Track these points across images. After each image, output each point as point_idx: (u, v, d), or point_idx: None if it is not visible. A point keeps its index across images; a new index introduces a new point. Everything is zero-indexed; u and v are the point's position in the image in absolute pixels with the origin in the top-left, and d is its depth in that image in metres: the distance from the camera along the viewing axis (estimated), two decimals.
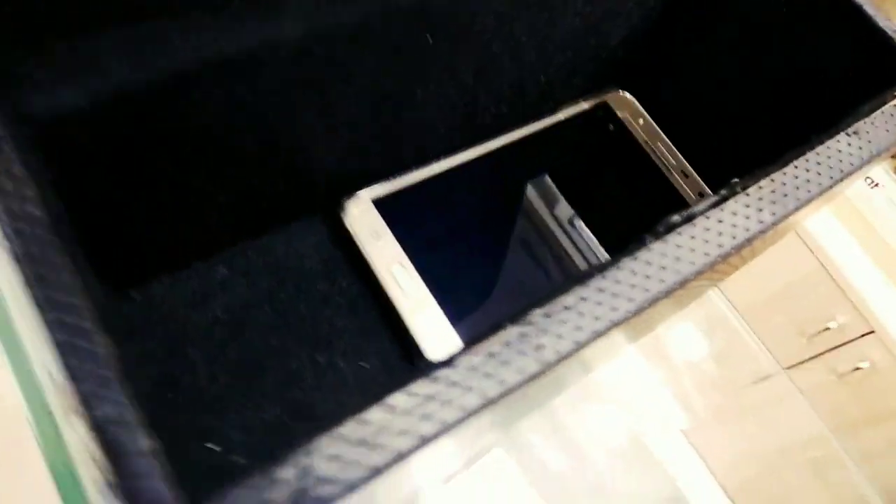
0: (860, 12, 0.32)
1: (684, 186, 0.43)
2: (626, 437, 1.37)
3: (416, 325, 0.34)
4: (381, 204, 0.37)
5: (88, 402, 0.16)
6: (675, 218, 0.24)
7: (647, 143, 0.44)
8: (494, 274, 0.40)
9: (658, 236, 0.23)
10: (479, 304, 0.39)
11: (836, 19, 0.33)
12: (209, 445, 0.31)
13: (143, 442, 0.16)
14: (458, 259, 0.39)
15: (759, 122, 0.39)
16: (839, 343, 1.27)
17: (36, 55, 0.21)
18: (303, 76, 0.27)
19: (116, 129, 0.23)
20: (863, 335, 1.23)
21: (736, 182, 0.25)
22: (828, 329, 1.27)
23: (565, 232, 0.42)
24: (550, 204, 0.43)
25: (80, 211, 0.25)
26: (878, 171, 1.31)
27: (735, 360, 1.41)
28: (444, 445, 0.21)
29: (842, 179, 0.27)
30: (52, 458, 0.39)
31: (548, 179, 0.43)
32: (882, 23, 0.32)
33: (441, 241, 0.39)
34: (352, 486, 0.17)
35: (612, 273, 0.22)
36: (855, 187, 1.30)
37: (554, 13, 0.33)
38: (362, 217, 0.36)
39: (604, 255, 0.41)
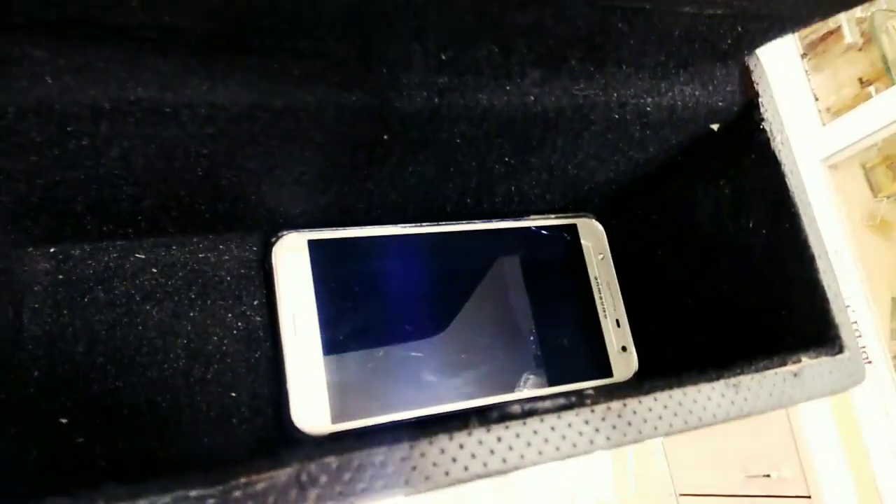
0: (814, 274, 0.32)
1: (612, 335, 0.43)
2: None
3: (294, 379, 0.35)
4: (315, 246, 0.38)
5: None
6: (515, 408, 0.25)
7: (596, 279, 0.44)
8: (403, 353, 0.41)
9: (485, 423, 0.24)
10: (366, 380, 0.39)
11: (788, 261, 0.33)
12: (61, 420, 0.32)
13: None
14: (368, 326, 0.40)
15: (698, 307, 0.39)
16: (774, 494, 1.27)
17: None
18: (246, 134, 0.27)
19: (42, 134, 0.24)
20: (799, 497, 1.23)
21: (590, 393, 0.26)
22: (768, 476, 1.27)
23: (494, 334, 0.43)
24: (489, 301, 0.43)
25: (4, 182, 0.26)
26: (876, 349, 1.29)
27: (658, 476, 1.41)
28: None
29: (695, 428, 0.27)
30: None
31: (500, 274, 0.44)
32: (831, 297, 0.32)
33: (362, 303, 0.40)
34: None
35: (422, 445, 0.23)
36: None
37: (527, 146, 0.33)
38: (291, 254, 0.37)
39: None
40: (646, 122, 0.33)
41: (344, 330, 0.37)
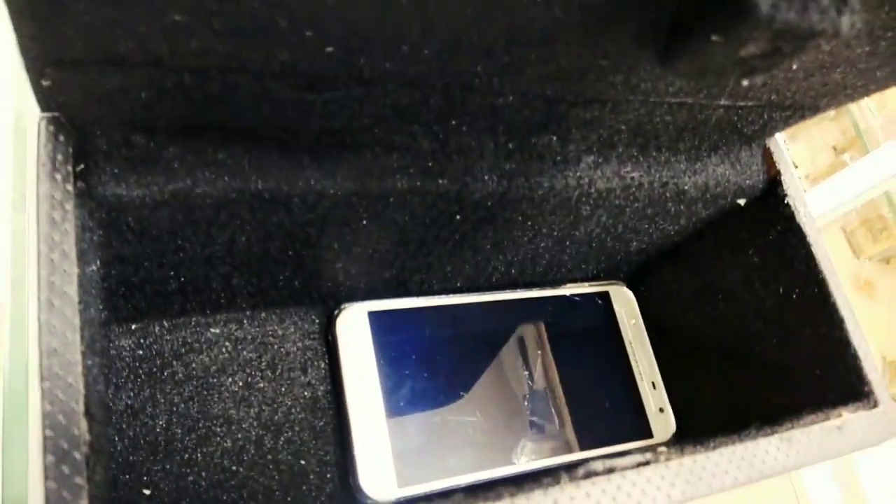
0: (845, 335, 0.35)
1: (649, 396, 0.46)
2: None
3: (360, 446, 0.37)
4: (374, 318, 0.40)
5: (49, 479, 0.20)
6: (598, 465, 0.27)
7: (630, 343, 0.47)
8: (459, 417, 0.43)
9: (574, 479, 0.26)
10: (428, 444, 0.41)
11: (819, 324, 0.36)
12: (145, 491, 0.34)
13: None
14: (426, 392, 0.42)
15: (731, 368, 0.42)
16: None
17: (124, 148, 0.25)
18: (340, 217, 0.30)
19: (169, 223, 0.27)
20: None
21: (662, 451, 0.28)
22: None
23: (539, 398, 0.45)
24: (533, 366, 0.46)
25: (116, 268, 0.29)
26: None
27: None
28: None
29: (758, 479, 0.29)
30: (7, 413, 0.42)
31: (541, 340, 0.46)
32: (861, 356, 0.34)
33: (420, 370, 0.42)
34: None
35: (521, 500, 0.25)
36: None
37: (577, 221, 0.37)
38: (353, 325, 0.39)
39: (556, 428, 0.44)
40: (682, 199, 0.37)
41: (405, 396, 0.39)
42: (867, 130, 1.51)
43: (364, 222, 0.31)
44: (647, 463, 0.28)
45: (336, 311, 0.40)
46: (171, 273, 0.31)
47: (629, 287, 0.48)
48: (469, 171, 0.31)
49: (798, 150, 1.60)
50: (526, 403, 0.44)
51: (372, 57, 0.21)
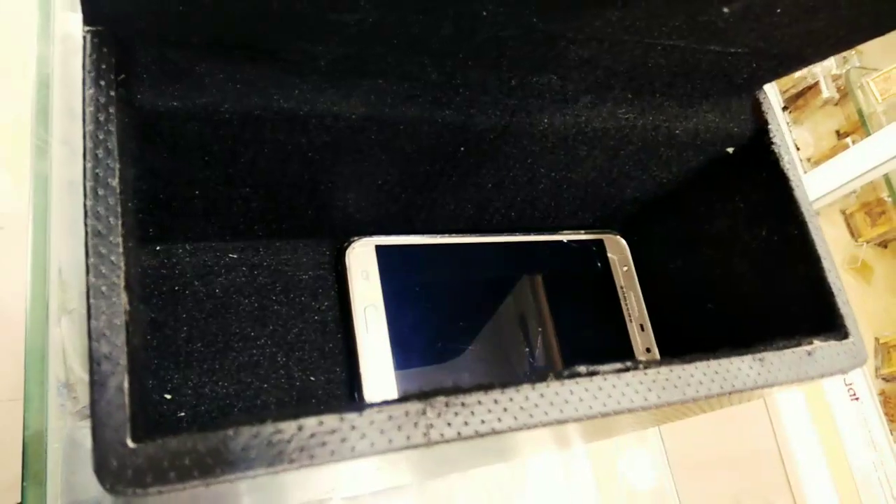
0: (821, 273, 0.37)
1: (637, 338, 0.48)
2: None
3: (365, 364, 0.40)
4: (381, 251, 0.43)
5: (93, 339, 0.22)
6: (581, 369, 0.30)
7: (622, 288, 0.49)
8: (457, 345, 0.46)
9: (559, 378, 0.29)
10: (430, 365, 0.44)
11: (798, 263, 0.39)
12: (166, 395, 0.37)
13: (120, 389, 0.22)
14: (431, 321, 0.45)
15: (716, 310, 0.45)
16: None
17: (161, 62, 0.28)
18: (353, 143, 0.33)
19: (198, 136, 0.30)
20: None
21: (640, 361, 0.31)
22: None
23: (533, 334, 0.48)
24: (528, 304, 0.48)
25: (147, 181, 0.31)
26: (862, 387, 1.34)
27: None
28: (340, 471, 0.26)
29: (730, 393, 0.32)
30: (31, 345, 0.45)
31: (537, 281, 0.49)
32: (835, 292, 0.37)
33: (422, 301, 0.45)
34: (252, 474, 0.22)
35: (510, 391, 0.28)
36: (837, 394, 1.34)
37: (574, 161, 0.39)
38: (361, 257, 0.42)
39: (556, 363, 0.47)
40: (673, 144, 0.39)
41: (407, 323, 0.42)
42: (871, 115, 1.53)
43: (375, 148, 0.33)
44: (626, 370, 0.30)
45: (346, 244, 0.42)
46: (196, 192, 0.34)
47: (623, 237, 0.51)
48: (474, 104, 0.33)
49: (802, 134, 1.62)
50: (521, 338, 0.46)
51: None
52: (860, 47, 1.61)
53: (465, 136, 0.34)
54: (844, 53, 1.68)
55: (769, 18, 0.31)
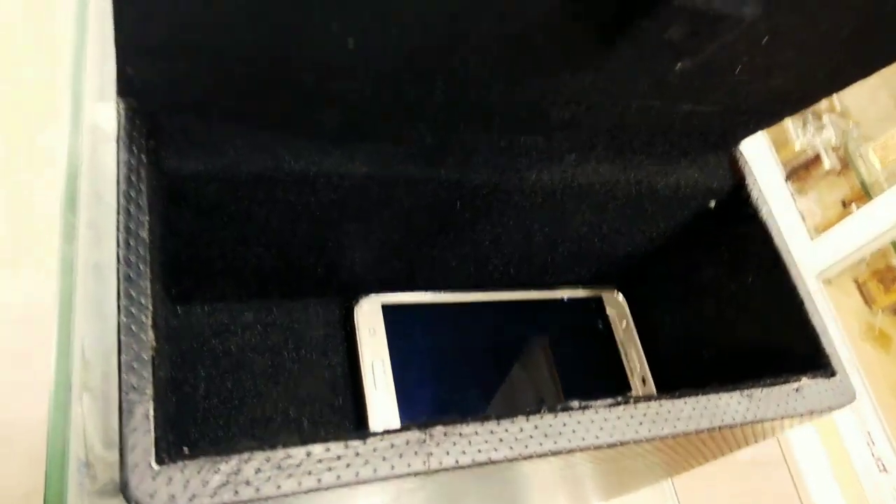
0: (805, 315, 0.39)
1: (639, 392, 0.49)
2: None
3: (374, 417, 0.41)
4: (387, 309, 0.45)
5: (123, 372, 0.25)
6: (574, 403, 0.31)
7: (622, 343, 0.51)
8: (462, 400, 0.47)
9: (553, 410, 0.31)
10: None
11: (782, 306, 0.40)
12: (184, 449, 0.38)
13: (146, 416, 0.24)
14: (437, 377, 0.47)
15: (712, 357, 0.46)
16: None
17: (184, 130, 0.31)
18: (357, 200, 0.36)
19: (217, 196, 0.33)
20: None
21: (631, 395, 0.33)
22: None
23: (536, 390, 0.49)
24: (531, 361, 0.50)
25: (172, 240, 0.34)
26: (891, 458, 1.31)
27: None
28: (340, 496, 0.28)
29: (720, 428, 0.33)
30: (54, 426, 0.47)
31: (539, 338, 0.51)
32: (820, 333, 0.39)
33: (428, 357, 0.47)
34: (264, 494, 0.24)
35: (506, 423, 0.29)
36: (865, 464, 1.31)
37: (564, 216, 0.42)
38: (368, 314, 0.44)
39: None
40: (656, 198, 0.42)
41: (413, 379, 0.44)
42: (873, 184, 1.56)
43: (377, 205, 0.36)
44: (617, 404, 0.32)
45: (354, 302, 0.45)
46: (215, 252, 0.37)
47: (620, 290, 0.53)
48: (467, 163, 0.36)
49: (807, 204, 1.64)
50: (525, 394, 0.48)
51: (384, 49, 0.28)
52: (857, 117, 1.66)
53: (461, 192, 0.37)
54: (842, 124, 1.73)
55: (730, 77, 0.34)
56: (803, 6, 0.28)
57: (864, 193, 1.54)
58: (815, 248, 1.49)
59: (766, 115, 0.39)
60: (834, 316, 1.47)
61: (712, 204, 0.44)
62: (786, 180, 1.64)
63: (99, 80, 0.62)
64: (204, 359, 0.41)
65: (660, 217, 0.44)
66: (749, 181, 0.43)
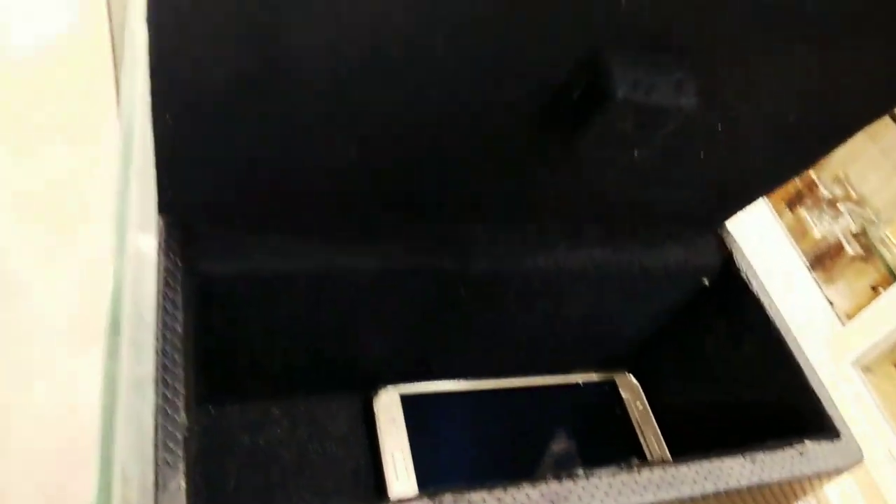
0: (804, 380, 0.41)
1: None
2: None
3: None
4: (406, 400, 0.48)
5: (158, 450, 0.28)
6: (579, 470, 0.33)
7: (639, 425, 0.52)
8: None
9: (558, 478, 0.32)
10: None
11: (781, 373, 0.42)
12: None
13: (179, 489, 0.27)
14: (456, 464, 0.48)
15: (725, 426, 0.47)
16: None
17: (215, 239, 0.35)
18: (369, 294, 0.39)
19: (244, 295, 0.37)
20: None
21: (635, 462, 0.34)
22: None
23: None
24: (549, 446, 0.51)
25: (204, 336, 0.38)
26: None
27: None
28: None
29: (725, 491, 0.34)
30: None
31: (556, 423, 0.52)
32: (821, 397, 0.40)
33: (447, 445, 0.49)
34: None
35: (512, 490, 0.31)
36: None
37: (564, 301, 0.45)
38: (388, 406, 0.47)
39: None
40: (649, 278, 0.45)
41: (433, 465, 0.46)
42: None
43: (388, 297, 0.40)
44: (622, 470, 0.33)
45: (373, 394, 0.47)
46: (243, 348, 0.40)
47: (633, 372, 0.55)
48: (467, 254, 0.40)
49: (835, 292, 1.64)
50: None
51: (381, 156, 0.32)
52: (873, 202, 1.67)
53: (464, 281, 0.41)
54: (859, 210, 1.75)
55: (697, 162, 0.38)
56: (744, 95, 0.32)
57: (892, 277, 1.53)
58: (848, 335, 1.47)
59: (740, 196, 0.43)
60: (878, 404, 1.43)
61: (706, 281, 0.47)
62: (810, 269, 1.65)
63: (142, 210, 0.69)
64: (234, 455, 0.44)
65: (656, 296, 0.47)
66: (737, 257, 0.46)
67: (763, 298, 0.44)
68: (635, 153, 0.31)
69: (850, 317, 1.53)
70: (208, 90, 0.26)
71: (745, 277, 0.45)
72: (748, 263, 0.46)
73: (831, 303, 1.59)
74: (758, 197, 0.44)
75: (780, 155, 0.39)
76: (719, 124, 0.34)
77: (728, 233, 0.47)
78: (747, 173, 0.40)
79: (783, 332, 0.43)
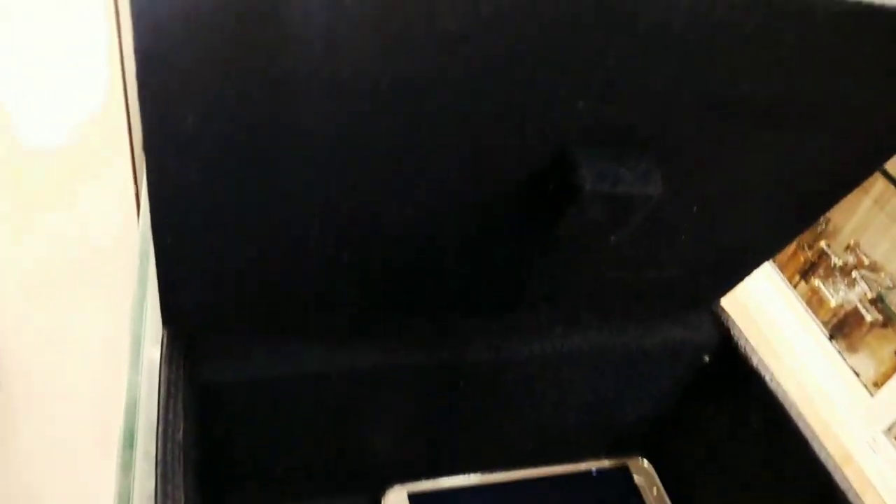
0: (811, 452, 0.40)
1: None
2: None
3: None
4: (415, 499, 0.47)
5: None
6: None
7: None
8: None
9: None
10: None
11: (789, 447, 0.42)
12: None
13: None
14: None
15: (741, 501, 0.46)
16: None
17: (215, 347, 0.37)
18: (369, 390, 0.40)
19: (244, 400, 0.38)
20: None
21: None
22: None
23: None
24: None
25: (206, 443, 0.39)
26: None
27: None
28: None
29: None
30: None
31: None
32: (826, 461, 0.40)
33: None
34: None
35: None
36: None
37: (565, 385, 0.45)
38: None
39: None
40: (649, 359, 0.45)
41: None
42: None
43: (389, 392, 0.40)
44: None
45: (381, 494, 0.47)
46: (246, 453, 0.41)
47: (646, 455, 0.54)
48: (464, 345, 0.41)
49: (859, 360, 1.60)
50: None
51: (371, 260, 0.34)
52: (887, 268, 1.66)
53: (463, 372, 0.41)
54: (873, 276, 1.74)
55: (679, 243, 0.39)
56: (712, 178, 0.34)
57: None
58: (877, 405, 1.43)
59: (730, 272, 0.44)
60: None
61: (706, 359, 0.47)
62: (830, 339, 1.62)
63: (154, 324, 0.70)
64: None
65: (658, 376, 0.47)
66: (734, 333, 0.46)
67: (764, 374, 0.44)
68: (612, 239, 0.33)
69: (877, 385, 1.50)
70: (207, 210, 0.28)
71: (744, 353, 0.45)
72: (745, 339, 0.46)
73: (857, 373, 1.56)
74: (748, 273, 0.44)
75: (760, 231, 0.40)
76: (694, 206, 0.36)
77: (723, 309, 0.47)
78: (731, 250, 0.41)
79: (787, 407, 0.42)
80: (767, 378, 0.44)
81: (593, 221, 0.31)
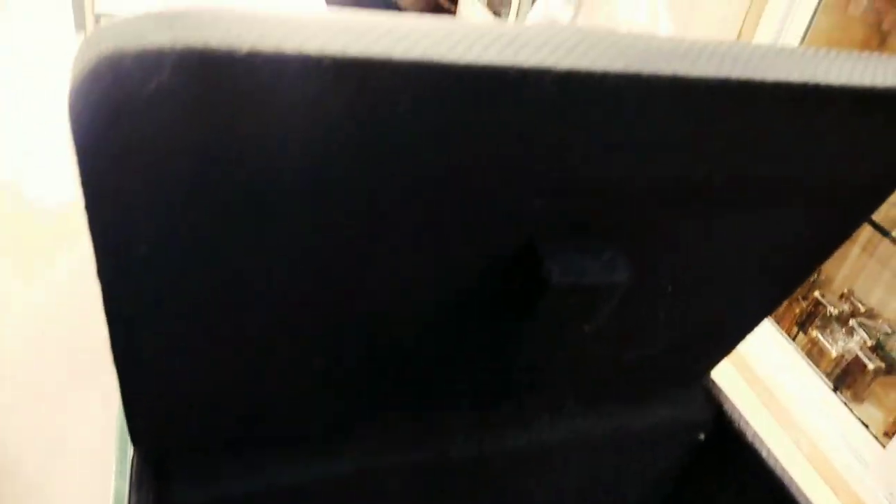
0: None
1: None
2: None
3: None
4: None
5: None
6: None
7: None
8: None
9: None
10: None
11: None
12: None
13: None
14: None
15: None
16: None
17: (186, 468, 0.35)
18: (351, 498, 0.39)
19: None
20: None
21: None
22: None
23: None
24: None
25: None
26: None
27: None
28: None
29: None
30: None
31: None
32: None
33: None
34: None
35: None
36: None
37: (556, 475, 0.44)
38: None
39: None
40: (640, 441, 0.44)
41: None
42: None
43: (372, 497, 0.39)
44: None
45: None
46: None
47: None
48: (445, 441, 0.40)
49: (868, 410, 1.58)
50: None
51: (341, 358, 0.33)
52: (884, 314, 1.66)
53: (448, 468, 0.40)
54: (872, 324, 1.73)
55: (660, 323, 0.38)
56: (680, 259, 0.34)
57: None
58: (890, 457, 1.40)
59: (714, 347, 0.43)
60: None
61: (701, 436, 0.46)
62: (834, 390, 1.60)
63: None
64: None
65: (652, 457, 0.45)
66: (727, 408, 0.45)
67: (760, 449, 0.43)
68: (585, 328, 0.32)
69: (888, 435, 1.46)
70: (167, 333, 0.28)
71: (738, 429, 0.44)
72: (739, 413, 0.45)
73: (866, 425, 1.53)
74: (734, 344, 0.44)
75: (740, 304, 0.40)
76: (668, 287, 0.35)
77: (714, 383, 0.46)
78: (713, 324, 0.41)
79: (785, 480, 0.41)
80: (764, 454, 0.42)
81: (564, 313, 0.30)
